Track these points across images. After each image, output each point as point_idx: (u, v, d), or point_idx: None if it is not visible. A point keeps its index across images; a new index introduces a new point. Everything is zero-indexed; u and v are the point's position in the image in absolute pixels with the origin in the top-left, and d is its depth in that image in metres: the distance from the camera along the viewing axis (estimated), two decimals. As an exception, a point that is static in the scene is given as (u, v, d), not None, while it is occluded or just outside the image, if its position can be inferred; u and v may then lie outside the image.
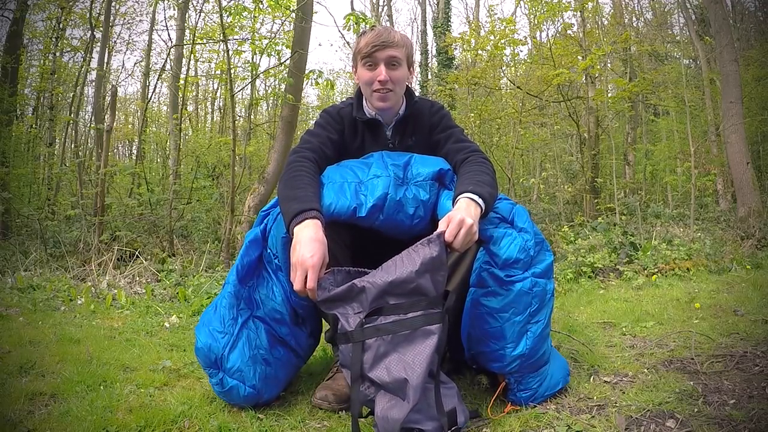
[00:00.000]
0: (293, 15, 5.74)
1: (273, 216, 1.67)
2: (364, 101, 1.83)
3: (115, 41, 12.89)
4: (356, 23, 4.87)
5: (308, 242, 1.40)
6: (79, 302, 3.17)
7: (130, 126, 18.03)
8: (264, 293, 1.65)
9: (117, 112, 13.04)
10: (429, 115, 1.85)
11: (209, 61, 13.79)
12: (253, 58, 6.65)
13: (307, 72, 5.62)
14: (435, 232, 1.40)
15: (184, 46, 9.25)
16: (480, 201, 1.50)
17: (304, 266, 1.37)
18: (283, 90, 6.57)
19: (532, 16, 11.24)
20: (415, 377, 1.28)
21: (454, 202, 1.53)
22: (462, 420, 1.37)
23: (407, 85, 1.83)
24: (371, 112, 1.81)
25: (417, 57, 15.29)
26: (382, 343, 1.34)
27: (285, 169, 1.66)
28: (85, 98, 12.24)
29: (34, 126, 11.13)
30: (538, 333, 1.56)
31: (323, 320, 1.80)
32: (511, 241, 1.54)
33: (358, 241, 1.66)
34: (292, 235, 1.45)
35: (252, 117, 11.86)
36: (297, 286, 1.38)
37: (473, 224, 1.42)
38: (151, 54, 12.53)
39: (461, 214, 1.43)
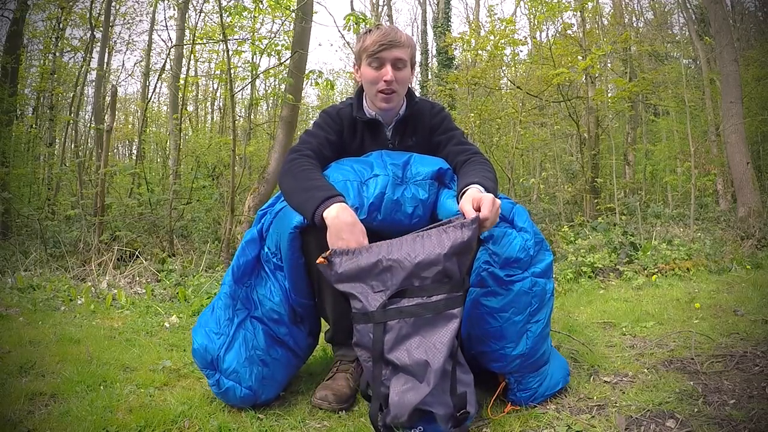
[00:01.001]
0: (293, 15, 5.73)
1: (271, 214, 1.66)
2: (364, 101, 1.82)
3: (115, 41, 12.86)
4: (356, 23, 4.87)
5: (349, 227, 1.40)
6: (79, 302, 3.17)
7: (130, 126, 18.03)
8: (262, 293, 1.65)
9: (117, 112, 13.04)
10: (430, 116, 1.84)
11: (209, 61, 13.83)
12: (253, 58, 6.66)
13: (307, 72, 5.62)
14: (470, 217, 1.36)
15: (184, 46, 9.24)
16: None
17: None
18: (283, 90, 6.57)
19: (532, 16, 11.22)
20: (437, 361, 1.26)
21: (460, 195, 1.51)
22: (472, 411, 1.36)
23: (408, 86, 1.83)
24: (371, 112, 1.80)
25: (417, 57, 15.27)
26: (404, 325, 1.32)
27: (288, 164, 1.63)
28: (85, 98, 12.22)
29: (34, 126, 11.11)
30: (538, 333, 1.56)
31: (322, 320, 1.81)
32: (511, 241, 1.54)
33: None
34: (321, 220, 1.42)
35: (252, 117, 11.84)
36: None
37: (497, 202, 1.42)
38: (151, 54, 12.53)
39: (486, 195, 1.42)
